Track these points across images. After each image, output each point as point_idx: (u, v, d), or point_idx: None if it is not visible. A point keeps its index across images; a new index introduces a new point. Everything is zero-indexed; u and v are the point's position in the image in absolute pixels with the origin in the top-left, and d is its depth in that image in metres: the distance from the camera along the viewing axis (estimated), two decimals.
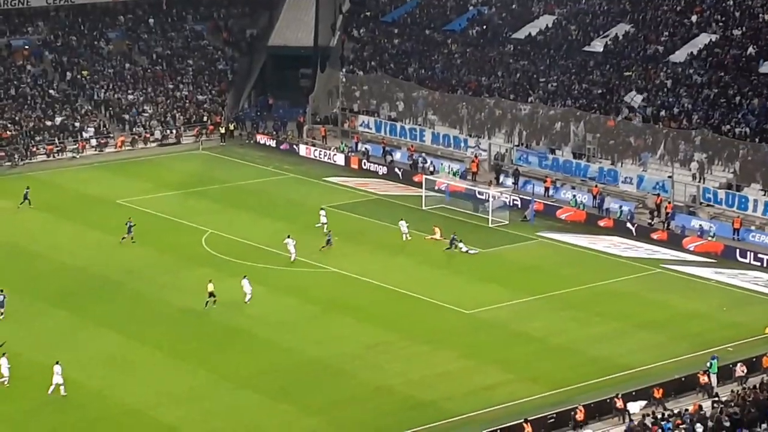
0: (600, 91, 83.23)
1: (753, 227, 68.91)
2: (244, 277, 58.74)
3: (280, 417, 46.00)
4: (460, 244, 66.40)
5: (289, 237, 65.23)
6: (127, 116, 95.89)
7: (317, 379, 49.14)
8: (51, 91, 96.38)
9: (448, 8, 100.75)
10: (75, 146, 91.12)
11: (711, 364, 48.94)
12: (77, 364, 49.85)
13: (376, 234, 70.15)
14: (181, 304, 57.74)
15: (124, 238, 67.49)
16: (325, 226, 68.95)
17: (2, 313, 56.45)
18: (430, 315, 56.86)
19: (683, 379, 48.84)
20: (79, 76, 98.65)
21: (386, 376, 49.36)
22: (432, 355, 51.72)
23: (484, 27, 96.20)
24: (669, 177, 73.70)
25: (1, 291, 56.97)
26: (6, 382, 48.72)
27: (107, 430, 45.01)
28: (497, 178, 79.95)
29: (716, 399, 46.35)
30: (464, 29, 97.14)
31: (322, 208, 72.09)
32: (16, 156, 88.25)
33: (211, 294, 57.28)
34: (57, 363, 47.92)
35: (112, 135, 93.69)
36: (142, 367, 50.26)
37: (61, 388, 47.52)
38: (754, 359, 50.44)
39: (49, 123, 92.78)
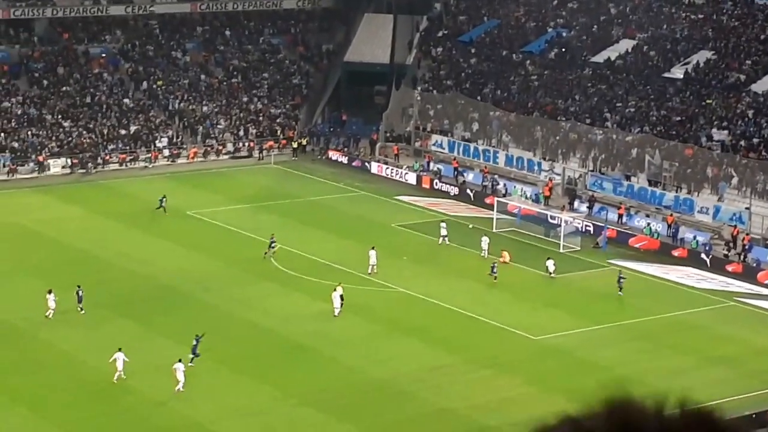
0: (679, 119, 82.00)
1: None
2: (335, 289, 58.42)
3: None
4: (548, 263, 65.64)
5: (373, 248, 64.94)
6: (200, 128, 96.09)
7: (380, 399, 48.58)
8: (126, 100, 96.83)
9: (527, 29, 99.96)
10: (148, 156, 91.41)
11: None
12: (140, 374, 49.73)
13: (445, 255, 69.45)
14: (247, 318, 57.47)
15: (266, 253, 67.14)
16: (446, 239, 69.60)
17: (82, 308, 57.37)
18: (496, 339, 56.09)
19: (754, 416, 47.71)
20: (154, 86, 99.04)
21: (449, 399, 48.68)
22: (496, 380, 50.96)
23: (563, 49, 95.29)
24: (746, 208, 72.32)
25: (79, 287, 57.70)
26: (122, 376, 49.41)
27: None
28: (571, 203, 78.89)
29: None
30: (542, 51, 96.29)
31: (443, 221, 72.27)
32: (89, 164, 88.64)
33: (341, 296, 57.93)
34: (179, 360, 48.59)
35: (184, 146, 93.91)
36: (205, 380, 49.95)
37: (180, 385, 48.28)
38: None
39: (123, 132, 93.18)
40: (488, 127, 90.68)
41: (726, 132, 78.44)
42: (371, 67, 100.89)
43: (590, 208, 77.55)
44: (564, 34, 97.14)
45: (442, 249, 70.31)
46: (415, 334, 56.08)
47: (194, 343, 51.14)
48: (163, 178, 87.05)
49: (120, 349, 49.82)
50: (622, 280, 63.05)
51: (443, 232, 71.19)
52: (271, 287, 62.44)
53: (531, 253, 69.05)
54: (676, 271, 68.15)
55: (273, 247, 67.16)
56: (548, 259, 66.59)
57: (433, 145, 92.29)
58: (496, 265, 64.52)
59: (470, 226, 72.92)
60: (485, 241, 69.15)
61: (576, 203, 79.02)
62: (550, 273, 65.41)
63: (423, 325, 57.34)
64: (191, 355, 50.95)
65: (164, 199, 76.37)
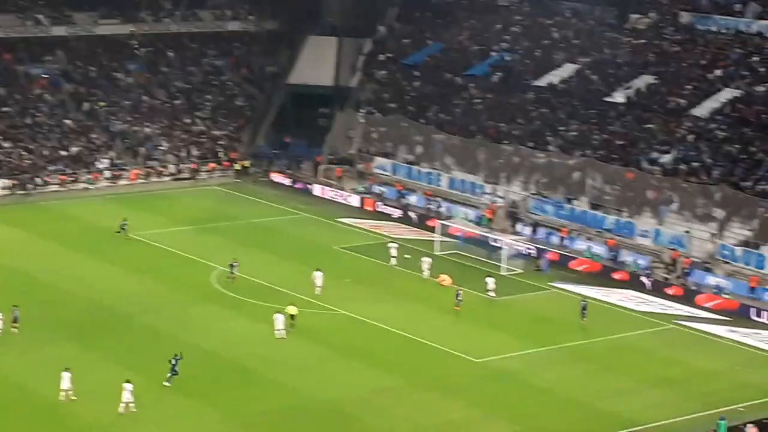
0: (620, 143, 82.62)
1: None
2: (278, 311, 58.49)
3: None
4: (488, 280, 65.68)
5: (318, 270, 65.06)
6: (142, 149, 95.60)
7: (324, 421, 48.37)
8: (67, 121, 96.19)
9: (471, 53, 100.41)
10: (89, 177, 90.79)
11: (719, 425, 48.10)
12: (81, 397, 49.24)
13: (387, 277, 69.51)
14: (189, 341, 56.99)
15: (229, 276, 66.75)
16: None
17: (17, 328, 56.85)
18: (439, 362, 56.09)
19: None
20: (96, 107, 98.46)
21: (393, 421, 48.58)
22: (439, 403, 50.92)
23: (506, 73, 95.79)
24: (686, 232, 72.94)
25: (16, 306, 57.30)
26: (70, 396, 49.22)
27: None
28: (514, 226, 79.21)
29: None
30: (486, 75, 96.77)
31: (392, 242, 73.00)
32: (29, 185, 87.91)
33: (292, 317, 58.47)
34: (127, 381, 48.12)
35: (126, 167, 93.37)
36: (148, 403, 49.42)
37: (131, 405, 47.87)
38: (765, 420, 49.59)
39: (63, 153, 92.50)
40: (431, 150, 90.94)
41: (670, 155, 79.07)
42: (315, 90, 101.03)
43: (534, 232, 77.81)
44: (507, 58, 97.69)
45: (385, 271, 70.40)
46: (359, 356, 56.00)
47: (173, 362, 51.10)
48: (105, 200, 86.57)
49: (67, 369, 49.46)
50: (584, 310, 62.58)
51: (393, 252, 71.34)
52: (214, 310, 62.15)
53: (473, 276, 69.18)
54: (616, 293, 68.57)
55: (234, 271, 66.62)
56: (488, 276, 66.92)
57: (377, 167, 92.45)
58: (461, 293, 64.04)
59: (406, 256, 72.62)
60: (426, 262, 69.45)
61: (519, 226, 79.29)
62: (489, 290, 65.57)
63: (367, 348, 57.30)
64: (170, 374, 50.95)
65: (126, 224, 75.72)
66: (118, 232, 75.59)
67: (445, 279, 67.93)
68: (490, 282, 66.09)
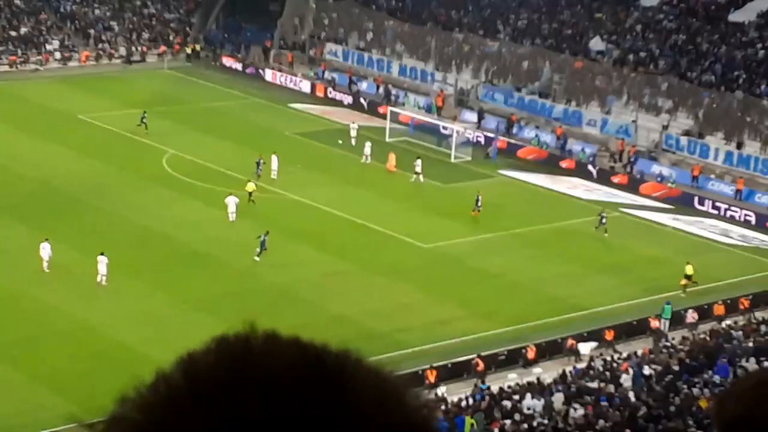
0: (569, 32, 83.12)
1: (713, 175, 69.28)
2: (230, 194, 59.15)
3: None
4: (417, 162, 66.50)
5: (275, 154, 65.96)
6: (92, 31, 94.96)
7: (274, 304, 49.14)
8: (17, 1, 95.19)
9: None
10: (39, 58, 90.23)
11: (664, 309, 49.56)
12: (34, 279, 49.85)
13: (338, 163, 70.09)
14: (141, 224, 57.56)
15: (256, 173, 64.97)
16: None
17: None
18: (389, 247, 57.01)
19: (635, 322, 49.45)
20: None
21: (343, 305, 49.53)
22: (388, 287, 51.92)
23: None
24: (633, 121, 73.90)
25: None
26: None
27: (60, 345, 44.97)
28: (481, 118, 78.75)
29: (666, 344, 46.97)
30: None
31: (353, 122, 74.30)
32: None
33: (251, 193, 60.38)
34: (102, 254, 49.85)
35: (76, 49, 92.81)
36: (100, 284, 50.14)
37: (104, 278, 49.79)
38: (706, 307, 51.14)
39: (13, 33, 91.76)
40: (382, 37, 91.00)
41: (604, 43, 79.71)
42: None
43: (509, 129, 77.11)
44: None
45: (337, 157, 70.96)
46: (310, 241, 56.72)
47: (262, 239, 53.39)
48: (55, 81, 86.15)
49: (47, 239, 50.37)
50: (604, 219, 60.60)
51: (353, 133, 72.56)
52: (166, 193, 62.56)
53: (423, 163, 69.70)
54: (563, 181, 69.57)
55: (260, 169, 65.24)
56: (417, 158, 67.56)
57: (328, 53, 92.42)
58: (480, 198, 62.32)
59: (339, 141, 73.10)
60: (368, 146, 70.03)
61: (468, 114, 79.61)
62: (417, 173, 66.18)
63: (317, 233, 57.97)
64: (259, 249, 53.49)
65: (145, 116, 73.94)
66: (139, 125, 73.17)
67: (391, 159, 68.29)
68: (418, 164, 66.70)
